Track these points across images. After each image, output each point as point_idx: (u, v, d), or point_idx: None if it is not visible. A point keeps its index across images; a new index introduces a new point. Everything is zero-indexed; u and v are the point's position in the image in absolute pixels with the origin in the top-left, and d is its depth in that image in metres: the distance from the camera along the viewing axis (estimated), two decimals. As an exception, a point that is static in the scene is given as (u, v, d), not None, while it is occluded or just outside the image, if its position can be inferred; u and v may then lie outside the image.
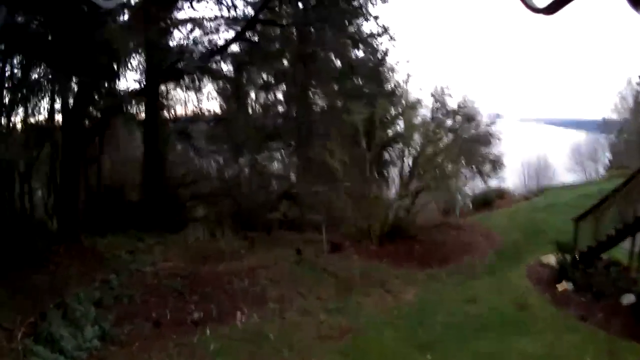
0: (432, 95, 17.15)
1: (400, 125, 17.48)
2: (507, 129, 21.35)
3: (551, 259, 13.21)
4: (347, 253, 14.45)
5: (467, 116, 17.15)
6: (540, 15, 2.08)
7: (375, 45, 19.23)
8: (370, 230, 15.21)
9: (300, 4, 18.36)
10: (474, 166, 17.51)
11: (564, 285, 11.85)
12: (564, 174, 36.47)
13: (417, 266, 13.65)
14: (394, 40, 18.79)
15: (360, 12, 17.63)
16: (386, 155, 18.95)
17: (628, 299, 10.89)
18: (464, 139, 16.85)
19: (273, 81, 20.26)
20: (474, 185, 19.43)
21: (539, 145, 36.38)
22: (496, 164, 17.72)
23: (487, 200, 22.31)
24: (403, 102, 17.74)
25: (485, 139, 17.48)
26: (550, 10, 1.79)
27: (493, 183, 20.92)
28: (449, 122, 17.23)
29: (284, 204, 18.89)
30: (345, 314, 10.52)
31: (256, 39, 17.76)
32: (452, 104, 17.18)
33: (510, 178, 27.05)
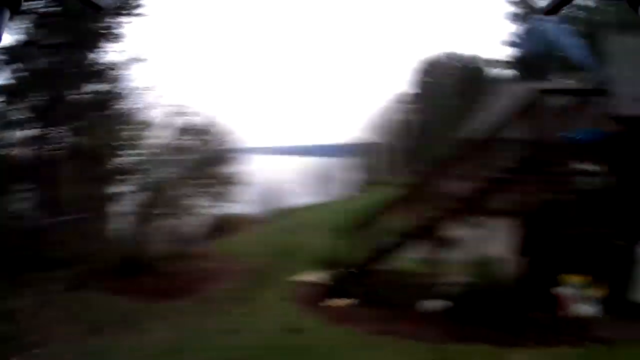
0: (170, 115, 17.05)
1: (137, 151, 17.15)
2: (245, 155, 21.81)
3: (314, 277, 12.57)
4: (93, 290, 13.32)
5: (205, 136, 17.31)
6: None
7: (118, 72, 18.51)
8: (105, 264, 14.35)
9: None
10: (211, 188, 17.34)
11: (340, 302, 11.15)
12: (301, 197, 36.68)
13: (163, 299, 12.47)
14: (140, 61, 18.30)
15: (105, 36, 17.25)
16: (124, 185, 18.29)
17: (433, 304, 10.78)
18: (200, 160, 16.88)
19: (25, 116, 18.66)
20: (213, 211, 19.19)
21: (276, 172, 36.63)
22: (234, 182, 17.94)
23: (229, 225, 21.62)
24: (137, 126, 17.49)
25: (223, 158, 17.79)
26: (551, 10, 1.78)
27: (232, 208, 20.88)
28: (186, 142, 17.16)
29: (32, 241, 17.34)
30: (90, 356, 9.62)
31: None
32: (189, 123, 17.19)
33: (248, 203, 26.39)
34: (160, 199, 16.07)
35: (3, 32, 1.10)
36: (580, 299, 10.26)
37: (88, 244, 15.27)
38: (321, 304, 11.33)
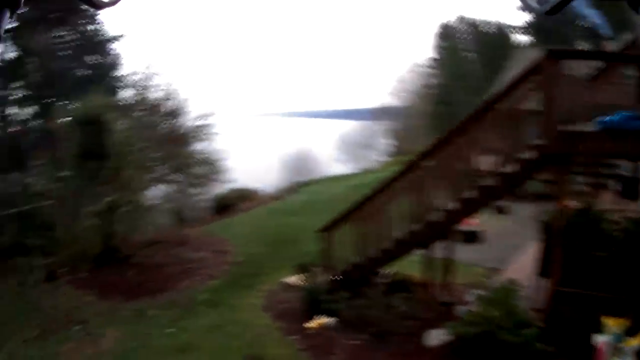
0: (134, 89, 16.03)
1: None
2: (253, 123, 20.38)
3: (299, 280, 10.12)
4: (61, 282, 12.07)
5: (171, 112, 15.56)
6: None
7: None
8: (82, 253, 12.89)
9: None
10: (182, 169, 15.43)
11: (319, 320, 8.69)
12: (333, 165, 35.02)
13: (126, 298, 11.04)
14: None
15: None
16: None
17: (438, 336, 7.92)
18: (166, 138, 15.16)
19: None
20: (212, 189, 17.29)
21: (302, 139, 35.15)
22: (210, 163, 16.05)
23: (229, 204, 19.65)
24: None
25: (195, 136, 15.95)
26: (552, 11, 1.61)
27: (236, 183, 19.15)
28: (152, 119, 15.49)
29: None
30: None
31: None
32: (156, 98, 15.66)
33: (266, 176, 25.26)
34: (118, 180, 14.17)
35: (3, 31, 1.09)
36: (616, 350, 6.96)
37: (68, 230, 13.97)
38: (299, 321, 8.95)
